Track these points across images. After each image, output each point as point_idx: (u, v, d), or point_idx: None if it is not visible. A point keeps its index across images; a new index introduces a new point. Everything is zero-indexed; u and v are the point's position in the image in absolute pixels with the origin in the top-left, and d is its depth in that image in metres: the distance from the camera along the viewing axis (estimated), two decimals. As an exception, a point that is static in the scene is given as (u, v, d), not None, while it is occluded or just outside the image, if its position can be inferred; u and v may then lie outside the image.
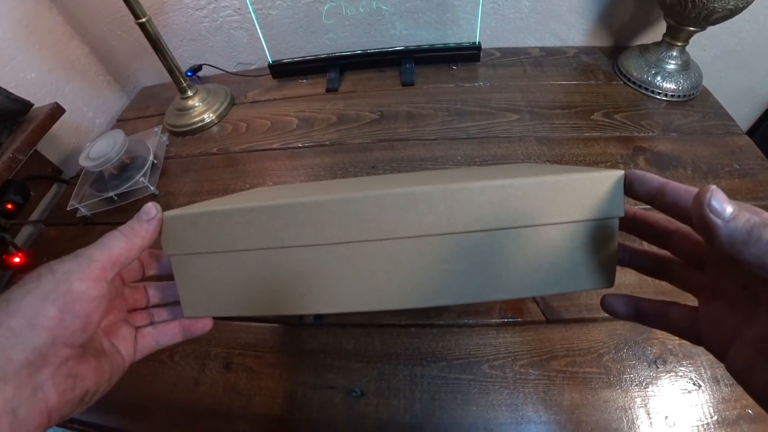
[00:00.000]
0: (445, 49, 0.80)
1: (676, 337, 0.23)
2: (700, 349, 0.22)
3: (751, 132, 0.94)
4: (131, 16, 0.63)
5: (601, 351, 0.43)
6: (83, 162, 0.61)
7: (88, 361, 0.23)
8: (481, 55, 0.79)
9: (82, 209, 0.63)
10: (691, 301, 0.23)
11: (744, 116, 0.93)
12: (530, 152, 0.63)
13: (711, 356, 0.21)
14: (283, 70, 0.84)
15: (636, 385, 0.40)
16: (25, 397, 0.19)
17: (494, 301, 0.47)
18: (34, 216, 0.69)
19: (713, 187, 0.17)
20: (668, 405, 0.39)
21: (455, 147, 0.65)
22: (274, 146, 0.71)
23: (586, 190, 0.23)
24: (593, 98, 0.71)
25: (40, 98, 0.69)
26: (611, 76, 0.75)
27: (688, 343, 0.23)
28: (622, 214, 0.23)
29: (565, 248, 0.24)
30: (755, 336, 0.19)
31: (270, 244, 0.25)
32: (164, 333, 0.28)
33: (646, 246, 0.26)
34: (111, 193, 0.63)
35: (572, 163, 0.61)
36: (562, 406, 0.40)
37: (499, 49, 0.84)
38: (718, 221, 0.17)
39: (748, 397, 0.19)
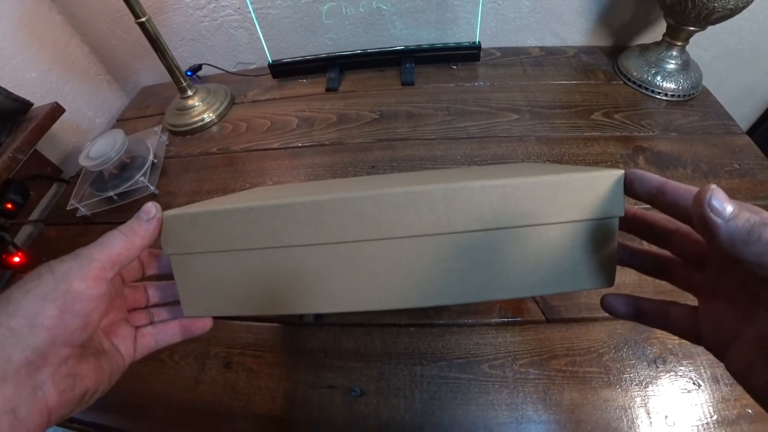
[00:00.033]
0: (445, 48, 0.80)
1: (676, 337, 0.23)
2: (700, 349, 0.22)
3: (751, 132, 0.94)
4: (131, 16, 0.63)
5: (601, 350, 0.43)
6: (83, 161, 0.61)
7: (87, 360, 0.23)
8: (481, 54, 0.79)
9: (82, 209, 0.63)
10: (691, 300, 0.23)
11: (744, 116, 0.93)
12: (530, 152, 0.63)
13: (711, 356, 0.21)
14: (283, 70, 0.84)
15: (636, 385, 0.40)
16: (24, 396, 0.19)
17: (494, 301, 0.47)
18: (34, 215, 0.69)
19: (713, 186, 0.17)
20: (668, 404, 0.39)
21: (455, 146, 0.65)
22: (274, 146, 0.71)
23: (586, 190, 0.23)
24: (593, 98, 0.71)
25: (39, 98, 0.69)
26: (611, 76, 0.75)
27: (688, 343, 0.23)
28: (622, 214, 0.23)
29: (565, 248, 0.24)
30: (755, 335, 0.19)
31: (270, 243, 0.25)
32: (164, 332, 0.28)
33: (646, 245, 0.26)
34: (111, 193, 0.63)
35: (572, 163, 0.61)
36: (562, 406, 0.40)
37: (499, 48, 0.84)
38: (718, 220, 0.17)
39: (747, 396, 0.19)
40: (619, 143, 0.63)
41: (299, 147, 0.70)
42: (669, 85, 0.68)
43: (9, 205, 0.61)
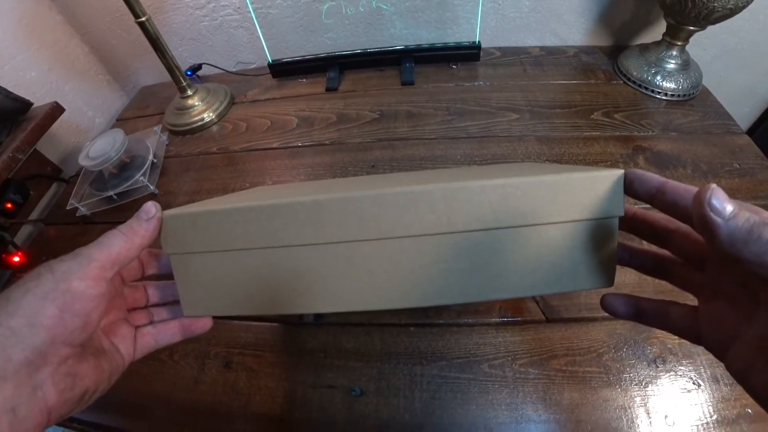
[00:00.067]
0: (445, 48, 0.80)
1: (676, 337, 0.23)
2: (700, 349, 0.22)
3: (751, 131, 0.94)
4: (131, 15, 0.63)
5: (601, 350, 0.43)
6: (83, 161, 0.61)
7: (87, 360, 0.23)
8: (481, 54, 0.79)
9: (82, 208, 0.63)
10: (691, 300, 0.23)
11: (744, 115, 0.93)
12: (530, 151, 0.63)
13: (710, 355, 0.21)
14: (282, 70, 0.84)
15: (636, 385, 0.40)
16: (24, 396, 0.19)
17: (494, 301, 0.47)
18: (34, 215, 0.69)
19: (713, 185, 0.17)
20: (668, 404, 0.39)
21: (455, 146, 0.65)
22: (274, 145, 0.71)
23: (586, 190, 0.23)
24: (593, 97, 0.71)
25: (39, 97, 0.69)
26: (611, 76, 0.75)
27: (688, 343, 0.23)
28: (622, 214, 0.23)
29: (565, 247, 0.24)
30: (755, 335, 0.19)
31: (269, 243, 0.25)
32: (164, 332, 0.28)
33: (645, 245, 0.26)
34: (111, 192, 0.63)
35: (572, 163, 0.61)
36: (561, 405, 0.40)
37: (499, 48, 0.84)
38: (718, 220, 0.17)
39: (747, 396, 0.19)
40: (619, 143, 0.63)
41: (299, 147, 0.70)
42: (669, 85, 0.68)
43: (9, 205, 0.61)
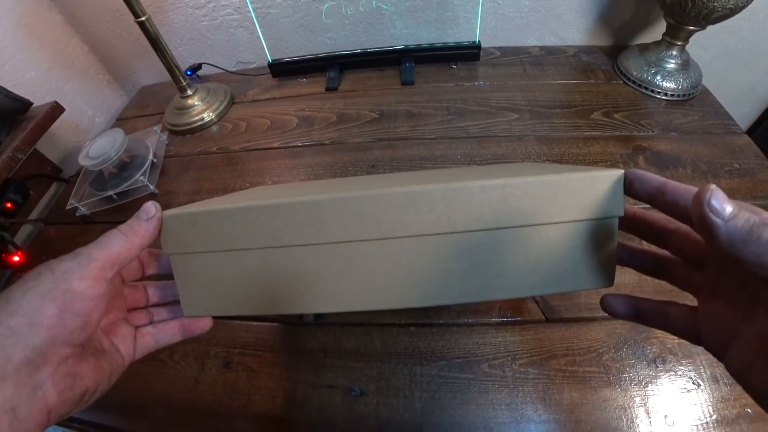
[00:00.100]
0: (445, 48, 0.80)
1: (676, 337, 0.23)
2: (700, 349, 0.22)
3: (751, 131, 0.94)
4: (131, 15, 0.63)
5: (601, 350, 0.43)
6: (83, 161, 0.61)
7: (87, 360, 0.23)
8: (481, 54, 0.79)
9: (82, 208, 0.63)
10: (691, 300, 0.23)
11: (744, 115, 0.93)
12: (530, 151, 0.63)
13: (710, 355, 0.21)
14: (282, 69, 0.84)
15: (635, 384, 0.40)
16: (24, 395, 0.19)
17: (494, 301, 0.47)
18: (34, 215, 0.69)
19: (713, 186, 0.17)
20: (667, 404, 0.39)
21: (455, 146, 0.65)
22: (274, 145, 0.71)
23: (586, 190, 0.23)
24: (593, 97, 0.71)
25: (39, 97, 0.69)
26: (611, 76, 0.75)
27: (688, 343, 0.23)
28: (622, 214, 0.23)
29: (565, 247, 0.24)
30: (755, 335, 0.19)
31: (269, 243, 0.25)
32: (164, 332, 0.28)
33: (645, 245, 0.26)
34: (110, 192, 0.63)
35: (572, 163, 0.61)
36: (561, 405, 0.40)
37: (499, 48, 0.84)
38: (717, 221, 0.17)
39: (747, 396, 0.19)
40: (618, 143, 0.63)
41: (299, 146, 0.70)
42: (669, 85, 0.68)
43: (9, 205, 0.61)
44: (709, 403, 0.39)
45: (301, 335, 0.47)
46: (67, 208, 0.63)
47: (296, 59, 0.83)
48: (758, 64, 0.83)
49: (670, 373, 0.41)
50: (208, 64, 0.89)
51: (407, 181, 0.27)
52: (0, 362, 0.19)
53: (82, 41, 0.84)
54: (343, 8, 0.78)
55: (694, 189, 0.19)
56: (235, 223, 0.25)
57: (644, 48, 0.72)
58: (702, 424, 0.38)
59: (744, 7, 0.57)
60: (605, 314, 0.25)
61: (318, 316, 0.48)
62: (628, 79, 0.72)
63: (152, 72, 0.91)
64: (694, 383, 0.40)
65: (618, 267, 0.25)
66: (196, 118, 0.76)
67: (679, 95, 0.68)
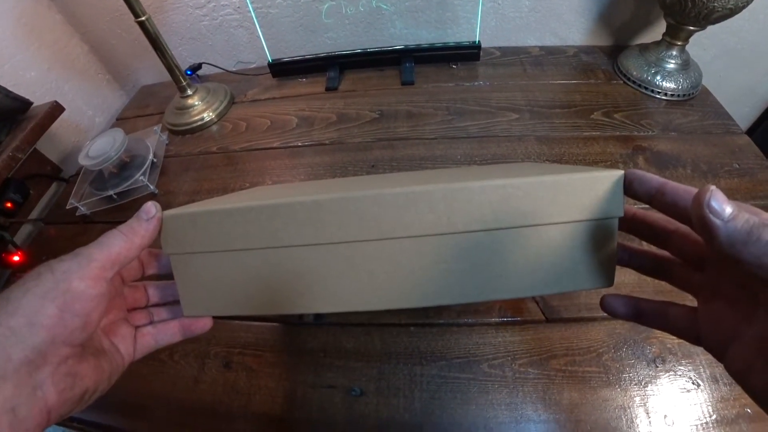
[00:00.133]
0: (445, 48, 0.80)
1: (675, 337, 0.23)
2: (699, 349, 0.22)
3: (751, 131, 0.94)
4: (131, 15, 0.63)
5: (601, 350, 0.43)
6: (83, 161, 0.61)
7: (87, 360, 0.23)
8: (481, 54, 0.79)
9: (82, 208, 0.63)
10: (690, 301, 0.23)
11: (744, 115, 0.93)
12: (530, 151, 0.63)
13: (710, 355, 0.21)
14: (282, 69, 0.84)
15: (635, 384, 0.40)
16: (24, 395, 0.19)
17: (494, 301, 0.47)
18: (34, 214, 0.69)
19: (712, 187, 0.17)
20: (667, 404, 0.39)
21: (455, 146, 0.65)
22: (274, 145, 0.71)
23: (586, 190, 0.23)
24: (593, 97, 0.71)
25: (39, 97, 0.69)
26: (611, 76, 0.75)
27: (687, 343, 0.23)
28: (622, 214, 0.23)
29: (565, 248, 0.24)
30: (754, 336, 0.19)
31: (269, 243, 0.25)
32: (164, 332, 0.28)
33: (645, 246, 0.26)
34: (110, 192, 0.63)
35: (572, 163, 0.61)
36: (561, 405, 0.40)
37: (499, 48, 0.84)
38: (717, 222, 0.17)
39: (746, 396, 0.19)
40: (618, 143, 0.63)
41: (299, 146, 0.70)
42: (669, 85, 0.68)
43: (9, 204, 0.61)
44: (709, 403, 0.39)
45: (301, 335, 0.47)
46: (67, 207, 0.63)
47: (296, 59, 0.83)
48: (758, 64, 0.83)
49: (670, 373, 0.41)
50: (208, 63, 0.89)
51: (407, 181, 0.27)
52: (0, 362, 0.19)
53: (82, 41, 0.84)
54: (343, 8, 0.78)
55: (694, 190, 0.19)
56: (235, 223, 0.25)
57: (644, 48, 0.72)
58: (702, 424, 0.38)
59: (744, 7, 0.57)
60: (605, 314, 0.25)
61: (318, 316, 0.48)
62: (628, 79, 0.72)
63: (152, 72, 0.91)
64: (693, 383, 0.40)
65: (618, 267, 0.25)
66: (196, 117, 0.76)
67: (679, 95, 0.68)
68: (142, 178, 0.64)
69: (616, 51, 0.79)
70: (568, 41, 0.84)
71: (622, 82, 0.73)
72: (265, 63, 0.83)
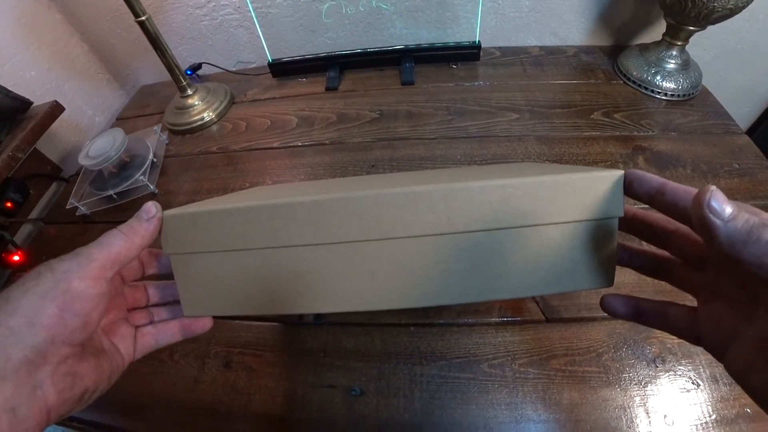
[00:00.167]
0: (445, 48, 0.80)
1: (675, 337, 0.23)
2: (699, 349, 0.22)
3: (751, 131, 0.94)
4: (131, 15, 0.63)
5: (601, 350, 0.43)
6: (83, 160, 0.61)
7: (87, 359, 0.23)
8: (481, 54, 0.79)
9: (82, 208, 0.63)
10: (690, 301, 0.23)
11: (744, 115, 0.93)
12: (530, 151, 0.63)
13: (709, 355, 0.21)
14: (282, 69, 0.84)
15: (635, 384, 0.40)
16: (24, 395, 0.19)
17: (494, 301, 0.47)
18: (34, 214, 0.69)
19: (712, 187, 0.17)
20: (667, 404, 0.39)
21: (455, 146, 0.65)
22: (274, 145, 0.71)
23: (586, 190, 0.23)
24: (593, 97, 0.71)
25: (39, 96, 0.69)
26: (611, 76, 0.75)
27: (687, 343, 0.23)
28: (622, 214, 0.23)
29: (565, 248, 0.24)
30: (754, 336, 0.19)
31: (270, 243, 0.25)
32: (164, 332, 0.28)
33: (645, 246, 0.26)
34: (110, 192, 0.63)
35: (572, 163, 0.61)
36: (561, 405, 0.40)
37: (499, 48, 0.84)
38: (717, 222, 0.17)
39: (746, 396, 0.19)
40: (618, 143, 0.63)
41: (299, 146, 0.70)
42: (669, 85, 0.68)
43: (9, 204, 0.61)
44: (709, 403, 0.39)
45: (301, 335, 0.47)
46: (67, 207, 0.63)
47: (296, 59, 0.83)
48: (758, 64, 0.83)
49: (670, 373, 0.41)
50: (208, 63, 0.89)
51: (407, 181, 0.27)
52: (0, 362, 0.19)
53: (82, 40, 0.84)
54: (343, 8, 0.78)
55: (694, 190, 0.19)
56: (235, 223, 0.25)
57: (644, 48, 0.72)
58: (701, 424, 0.38)
59: (744, 7, 0.57)
60: (605, 314, 0.25)
61: (318, 316, 0.48)
62: (628, 79, 0.72)
63: (152, 71, 0.91)
64: (693, 383, 0.40)
65: (618, 267, 0.25)
66: (196, 117, 0.76)
67: (679, 95, 0.68)
68: (142, 177, 0.64)
69: (616, 51, 0.79)
70: (568, 41, 0.84)
71: (622, 82, 0.73)
72: (265, 63, 0.83)
